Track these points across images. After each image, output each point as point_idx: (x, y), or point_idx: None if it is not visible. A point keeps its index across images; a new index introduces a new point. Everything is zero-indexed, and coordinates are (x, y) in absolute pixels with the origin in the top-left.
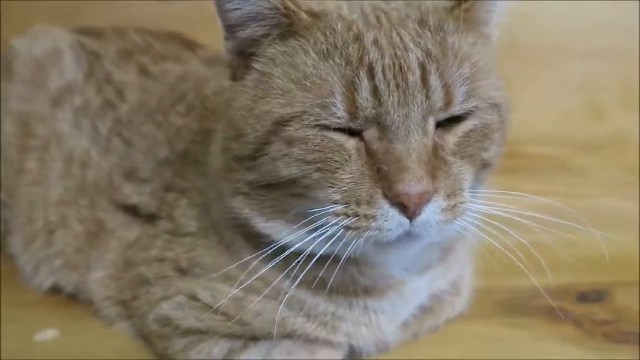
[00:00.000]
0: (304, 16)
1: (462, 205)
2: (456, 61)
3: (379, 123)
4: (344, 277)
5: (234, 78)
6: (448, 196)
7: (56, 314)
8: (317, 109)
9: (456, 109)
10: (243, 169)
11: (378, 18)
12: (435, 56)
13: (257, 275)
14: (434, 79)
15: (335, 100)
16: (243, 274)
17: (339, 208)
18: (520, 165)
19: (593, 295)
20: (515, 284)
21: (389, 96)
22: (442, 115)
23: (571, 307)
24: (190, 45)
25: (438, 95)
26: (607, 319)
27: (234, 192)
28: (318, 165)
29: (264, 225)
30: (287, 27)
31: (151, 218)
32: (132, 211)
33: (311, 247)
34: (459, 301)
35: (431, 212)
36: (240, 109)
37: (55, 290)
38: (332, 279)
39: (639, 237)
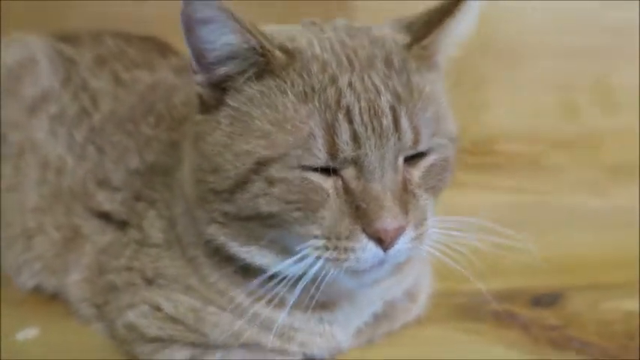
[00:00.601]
0: (280, 55)
1: (426, 232)
2: (421, 102)
3: (357, 164)
4: (303, 294)
5: (205, 111)
6: (416, 227)
7: (39, 313)
8: (299, 151)
9: (421, 147)
10: (219, 201)
11: (348, 58)
12: (403, 99)
13: (215, 289)
14: (404, 122)
15: (316, 143)
16: (203, 287)
17: (319, 241)
18: (494, 162)
19: (548, 299)
20: (473, 288)
21: (367, 139)
22: (410, 153)
23: (523, 311)
24: (163, 51)
25: (408, 137)
26: (555, 325)
27: (209, 221)
28: (299, 204)
29: (239, 249)
30: (264, 66)
31: (122, 225)
32: (105, 217)
33: (283, 271)
34: (415, 306)
35: (403, 243)
36: (216, 144)
37: (39, 289)
38: (292, 298)
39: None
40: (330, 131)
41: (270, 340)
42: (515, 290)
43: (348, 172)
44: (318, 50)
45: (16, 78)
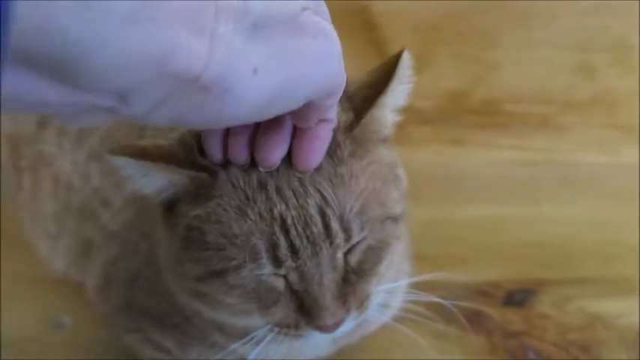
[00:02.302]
0: (206, 177)
1: (370, 304)
2: (350, 198)
3: (297, 270)
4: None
5: (164, 212)
6: (358, 308)
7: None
8: (250, 264)
9: (355, 240)
10: (189, 281)
11: None
12: (331, 200)
13: (197, 328)
14: (334, 225)
15: (262, 257)
16: (187, 325)
17: (271, 326)
18: (501, 122)
19: (520, 297)
20: (451, 282)
21: (303, 250)
22: (344, 249)
23: (493, 312)
24: None
25: (339, 238)
26: (518, 331)
27: (181, 289)
28: (255, 304)
29: (210, 313)
30: (197, 190)
31: (125, 244)
32: (111, 234)
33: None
34: (389, 311)
35: (345, 325)
36: (176, 246)
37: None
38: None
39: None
40: (271, 244)
41: None
42: (493, 283)
43: (292, 277)
44: None
45: None
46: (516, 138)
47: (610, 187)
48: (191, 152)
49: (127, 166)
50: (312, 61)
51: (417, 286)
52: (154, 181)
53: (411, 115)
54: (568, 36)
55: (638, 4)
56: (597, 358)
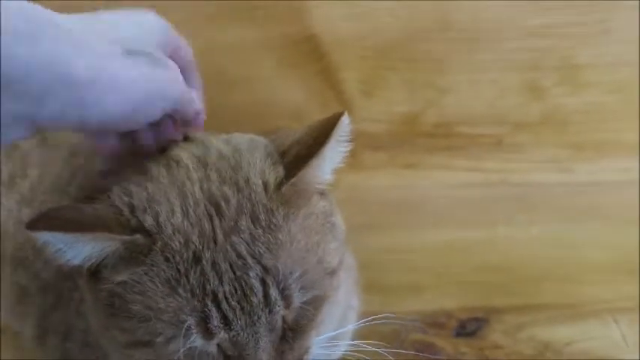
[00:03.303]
0: (141, 239)
1: (310, 356)
2: (290, 263)
3: (230, 340)
4: None
5: (87, 278)
6: None
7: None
8: (179, 339)
9: (294, 305)
10: (117, 345)
11: (212, 221)
12: (271, 268)
13: None
14: (274, 293)
15: (191, 331)
16: None
17: None
18: (454, 144)
19: (473, 326)
20: (405, 309)
21: (237, 321)
22: (283, 314)
23: (445, 343)
24: None
25: (279, 305)
26: None
27: (112, 350)
28: None
29: None
30: (127, 254)
31: (59, 294)
32: (45, 285)
33: None
34: (337, 350)
35: None
36: (100, 311)
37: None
38: None
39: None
40: (202, 318)
41: None
42: (447, 313)
43: (225, 344)
44: (179, 219)
45: None
46: (471, 159)
47: (564, 205)
48: (121, 214)
49: (53, 240)
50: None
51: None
52: (83, 251)
53: (364, 140)
54: (516, 57)
55: (582, 25)
56: None
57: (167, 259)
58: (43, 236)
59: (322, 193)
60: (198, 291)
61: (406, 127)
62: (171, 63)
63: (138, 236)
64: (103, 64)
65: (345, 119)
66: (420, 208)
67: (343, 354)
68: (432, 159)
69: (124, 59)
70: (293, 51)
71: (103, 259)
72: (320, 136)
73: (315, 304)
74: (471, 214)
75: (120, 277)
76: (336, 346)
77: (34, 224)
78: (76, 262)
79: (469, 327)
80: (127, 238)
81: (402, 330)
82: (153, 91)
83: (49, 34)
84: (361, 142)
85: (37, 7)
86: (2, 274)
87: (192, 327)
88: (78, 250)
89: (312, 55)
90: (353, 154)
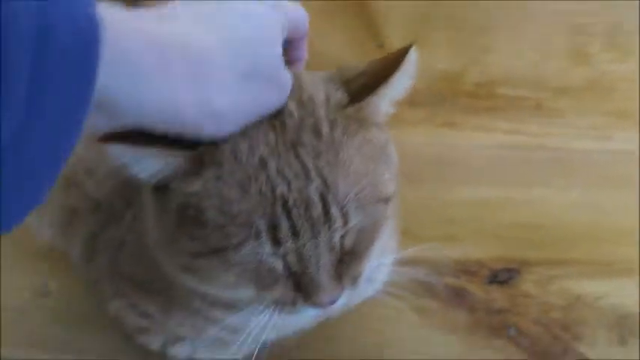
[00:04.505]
0: (204, 150)
1: (361, 280)
2: (348, 184)
3: (296, 252)
4: None
5: (156, 189)
6: (352, 285)
7: (55, 268)
8: (251, 242)
9: (350, 225)
10: (182, 256)
11: (275, 131)
12: (331, 184)
13: (179, 295)
14: (334, 210)
15: (262, 238)
16: (170, 291)
17: (267, 302)
18: (494, 105)
19: (505, 276)
20: (437, 258)
21: (303, 233)
22: (342, 233)
23: (477, 289)
24: None
25: (338, 222)
26: (500, 308)
27: (171, 263)
28: (252, 282)
29: (201, 287)
30: (194, 167)
31: (110, 215)
32: (96, 204)
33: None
34: (373, 286)
35: (340, 303)
36: (171, 224)
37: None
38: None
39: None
40: (273, 225)
41: (228, 334)
42: (478, 262)
43: (290, 258)
44: (245, 127)
45: None
46: (510, 122)
47: (603, 173)
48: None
49: (123, 153)
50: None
51: (403, 262)
52: (150, 166)
53: (405, 96)
54: (563, 20)
55: None
56: (577, 336)
57: (237, 160)
58: (114, 149)
59: (381, 126)
60: (268, 194)
61: (447, 85)
62: (284, 76)
63: (201, 147)
64: (214, 99)
65: (413, 52)
66: (457, 165)
67: (378, 290)
68: (472, 119)
69: (238, 87)
70: (336, 3)
71: (172, 173)
72: (389, 67)
73: (369, 229)
74: (507, 174)
75: (191, 188)
76: (379, 271)
77: (106, 138)
78: (144, 175)
79: (501, 276)
80: (189, 153)
81: (437, 274)
82: (260, 111)
83: (173, 72)
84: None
85: (170, 36)
86: (52, 197)
87: (263, 231)
88: (145, 164)
89: (355, 7)
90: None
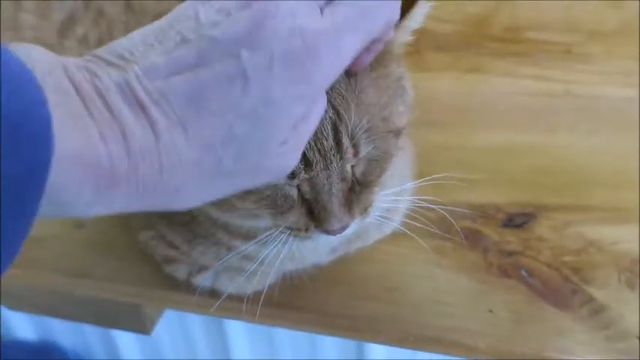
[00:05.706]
0: None
1: (372, 209)
2: (359, 115)
3: (309, 181)
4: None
5: None
6: (361, 214)
7: None
8: None
9: (361, 155)
10: None
11: None
12: (342, 114)
13: (203, 226)
14: (345, 141)
15: None
16: (194, 224)
17: (282, 228)
18: (521, 50)
19: (520, 220)
20: (454, 201)
21: (316, 164)
22: (352, 162)
23: (491, 232)
24: None
25: (349, 153)
26: (513, 250)
27: None
28: (269, 209)
29: (222, 216)
30: None
31: None
32: None
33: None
34: (390, 223)
35: (349, 229)
36: None
37: None
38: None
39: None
40: None
41: (248, 265)
42: (496, 206)
43: (304, 187)
44: None
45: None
46: (537, 67)
47: (628, 119)
48: None
49: None
50: None
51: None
52: None
53: (430, 40)
54: None
55: None
56: (587, 279)
57: None
58: None
59: (397, 59)
60: None
61: (475, 29)
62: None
63: None
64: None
65: None
66: (480, 110)
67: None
68: (498, 64)
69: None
70: None
71: None
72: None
73: (380, 159)
74: (530, 120)
75: None
76: (396, 200)
77: None
78: None
79: (517, 220)
80: None
81: (453, 217)
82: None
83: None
84: (427, 42)
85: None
86: None
87: None
88: None
89: None
90: (417, 52)
